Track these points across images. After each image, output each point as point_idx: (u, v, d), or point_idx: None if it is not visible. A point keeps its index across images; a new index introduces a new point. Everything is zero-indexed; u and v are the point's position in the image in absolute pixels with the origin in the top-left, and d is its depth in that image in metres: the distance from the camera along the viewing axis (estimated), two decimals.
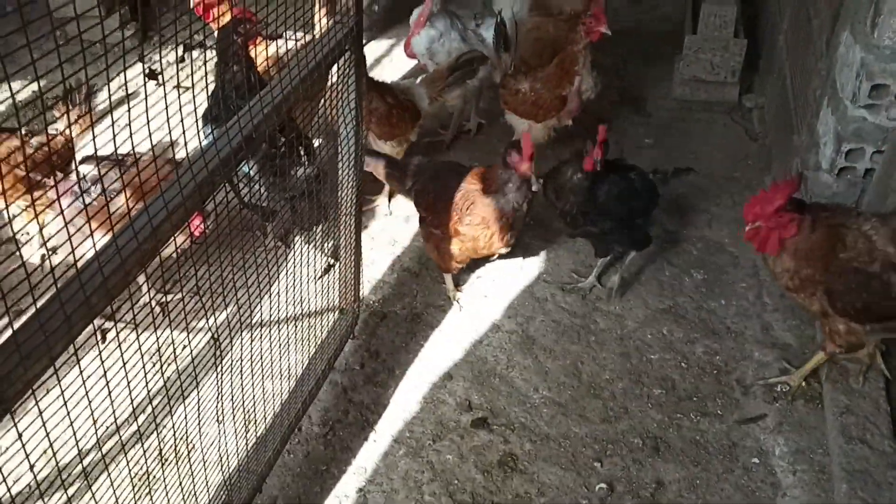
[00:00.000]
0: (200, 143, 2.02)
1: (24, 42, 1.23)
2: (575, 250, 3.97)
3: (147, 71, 4.92)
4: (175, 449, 2.53)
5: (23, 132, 3.32)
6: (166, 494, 2.21)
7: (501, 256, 3.78)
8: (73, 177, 3.14)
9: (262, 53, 4.02)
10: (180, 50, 4.89)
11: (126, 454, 1.99)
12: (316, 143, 3.60)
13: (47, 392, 1.63)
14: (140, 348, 1.86)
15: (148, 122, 1.65)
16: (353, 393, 3.28)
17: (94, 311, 1.59)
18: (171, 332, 2.17)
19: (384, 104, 3.92)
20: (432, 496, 2.90)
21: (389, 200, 4.28)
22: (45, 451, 1.64)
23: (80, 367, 1.63)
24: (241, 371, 2.49)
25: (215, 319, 2.19)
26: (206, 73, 3.48)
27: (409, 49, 4.52)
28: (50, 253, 3.15)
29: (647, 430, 3.13)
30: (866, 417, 2.95)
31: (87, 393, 1.69)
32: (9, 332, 1.43)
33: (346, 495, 2.91)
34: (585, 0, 4.62)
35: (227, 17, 3.95)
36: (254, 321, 2.62)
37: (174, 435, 2.29)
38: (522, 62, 4.34)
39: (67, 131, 3.38)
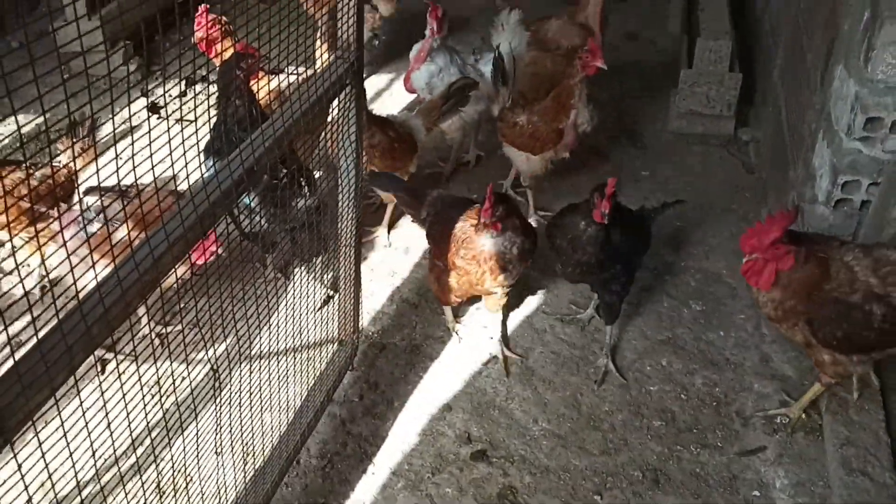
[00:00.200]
0: (202, 175, 2.04)
1: (28, 76, 1.25)
2: None
3: (149, 104, 4.97)
4: (173, 481, 2.52)
5: (26, 165, 3.36)
6: None
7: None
8: (77, 208, 3.17)
9: (265, 87, 4.07)
10: (183, 84, 4.94)
11: (125, 486, 1.99)
12: (316, 174, 3.63)
13: (46, 424, 1.63)
14: (140, 380, 1.87)
15: (151, 154, 1.68)
16: (352, 425, 3.27)
17: (95, 342, 1.60)
18: (171, 363, 2.18)
19: (386, 137, 3.96)
20: None
21: (389, 232, 4.30)
22: (42, 484, 1.64)
23: (80, 399, 1.63)
24: (239, 403, 2.49)
25: (214, 351, 2.19)
26: (208, 107, 3.52)
27: (409, 84, 4.57)
28: (50, 285, 3.16)
29: (647, 463, 3.12)
30: (867, 449, 2.94)
31: (86, 424, 1.69)
32: (10, 363, 1.43)
33: None
34: (582, 35, 4.70)
35: (230, 53, 4.01)
36: (253, 353, 2.62)
37: (173, 467, 2.28)
38: (521, 96, 4.39)
39: (71, 164, 3.41)
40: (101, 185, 1.69)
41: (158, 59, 5.60)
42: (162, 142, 1.69)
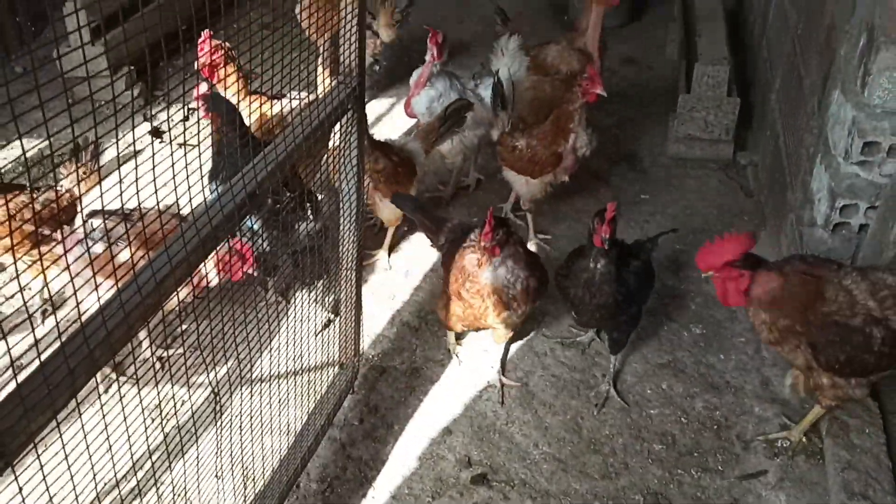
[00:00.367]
0: (205, 199, 2.06)
1: (30, 100, 1.27)
2: None
3: (151, 129, 5.01)
4: None
5: (31, 188, 3.39)
6: None
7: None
8: (80, 231, 3.19)
9: (267, 112, 4.11)
10: (185, 109, 4.99)
11: None
12: (319, 198, 3.65)
13: (46, 448, 1.63)
14: (141, 403, 1.87)
15: (154, 178, 1.69)
16: (352, 449, 3.27)
17: (97, 365, 1.61)
18: (172, 386, 2.18)
19: (390, 162, 3.98)
20: None
21: (389, 254, 4.32)
22: None
23: (81, 422, 1.64)
24: (240, 426, 2.49)
25: (216, 374, 2.20)
26: (211, 132, 3.55)
27: (410, 109, 4.61)
28: (53, 308, 3.18)
29: (647, 487, 3.11)
30: (868, 473, 2.93)
31: (87, 447, 1.69)
32: (13, 385, 1.44)
33: None
34: (581, 60, 4.74)
35: (233, 79, 4.05)
36: (254, 376, 2.63)
37: (173, 491, 2.28)
38: (520, 120, 4.43)
39: (74, 189, 3.44)
40: (105, 208, 1.71)
41: (161, 85, 5.65)
42: (165, 166, 1.71)
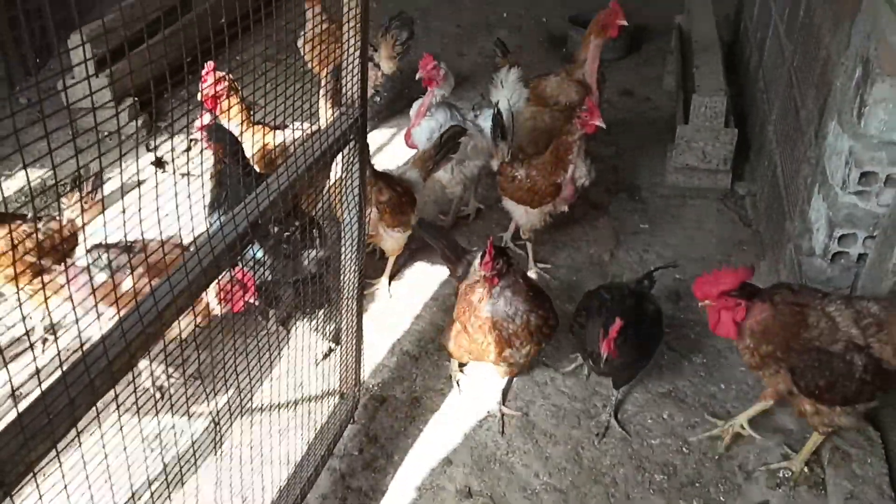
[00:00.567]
0: (208, 229, 2.07)
1: (33, 131, 1.30)
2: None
3: (156, 160, 5.05)
4: None
5: (35, 218, 3.40)
6: None
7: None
8: (81, 262, 3.20)
9: (270, 143, 4.14)
10: (188, 140, 5.03)
11: None
12: (323, 226, 3.67)
13: (46, 477, 1.63)
14: (141, 432, 1.87)
15: (157, 208, 1.71)
16: (352, 479, 3.25)
17: (98, 394, 1.61)
18: (172, 416, 2.18)
19: (395, 193, 4.00)
20: None
21: (390, 283, 4.32)
22: None
23: (81, 451, 1.64)
24: (240, 457, 2.48)
25: (216, 404, 2.20)
26: (214, 163, 3.58)
27: (410, 139, 4.65)
28: (54, 337, 3.18)
29: None
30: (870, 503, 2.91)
31: (87, 477, 1.69)
32: (14, 415, 1.44)
33: None
34: (580, 92, 4.79)
35: (236, 110, 4.09)
36: (254, 406, 2.62)
37: None
38: (520, 150, 4.46)
39: (76, 219, 3.45)
40: (107, 241, 1.72)
41: (165, 116, 5.70)
42: (168, 196, 1.72)
